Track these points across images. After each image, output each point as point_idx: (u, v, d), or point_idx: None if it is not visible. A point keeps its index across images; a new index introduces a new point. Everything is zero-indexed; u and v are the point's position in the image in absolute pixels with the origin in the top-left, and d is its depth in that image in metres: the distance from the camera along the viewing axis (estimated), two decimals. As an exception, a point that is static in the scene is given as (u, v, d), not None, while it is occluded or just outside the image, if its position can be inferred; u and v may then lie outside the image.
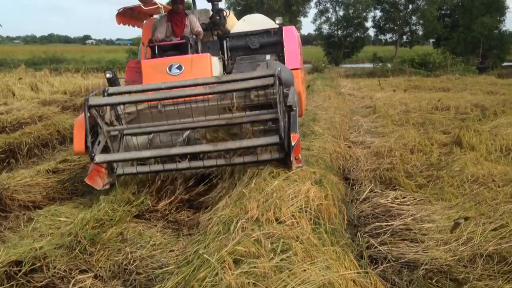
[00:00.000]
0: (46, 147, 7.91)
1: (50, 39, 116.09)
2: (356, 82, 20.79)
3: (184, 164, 4.81)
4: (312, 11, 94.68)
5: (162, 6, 6.89)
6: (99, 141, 4.76)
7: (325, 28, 44.29)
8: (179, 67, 5.71)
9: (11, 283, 3.23)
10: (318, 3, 43.47)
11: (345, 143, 7.73)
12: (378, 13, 43.90)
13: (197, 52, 6.32)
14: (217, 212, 4.12)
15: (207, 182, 5.38)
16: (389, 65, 31.34)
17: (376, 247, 3.92)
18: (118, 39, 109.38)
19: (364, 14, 42.47)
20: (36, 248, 3.54)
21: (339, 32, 43.50)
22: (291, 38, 6.67)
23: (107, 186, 4.85)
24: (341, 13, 43.06)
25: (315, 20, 44.34)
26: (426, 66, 27.52)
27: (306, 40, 73.46)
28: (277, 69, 4.39)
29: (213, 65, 6.05)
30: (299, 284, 2.33)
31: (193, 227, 4.31)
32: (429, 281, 3.35)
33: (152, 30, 6.82)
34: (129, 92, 4.94)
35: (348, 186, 5.76)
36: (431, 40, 45.40)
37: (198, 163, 4.85)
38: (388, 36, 45.17)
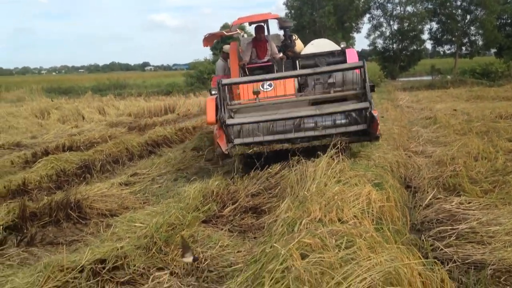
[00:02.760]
0: (117, 163, 8.43)
1: (112, 67, 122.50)
2: (414, 95, 20.40)
3: (290, 135, 6.12)
4: (365, 26, 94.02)
5: (240, 32, 8.90)
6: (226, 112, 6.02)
7: (380, 42, 43.71)
8: (270, 84, 6.95)
9: (97, 279, 3.54)
10: (371, 18, 43.00)
11: (405, 152, 7.68)
12: (435, 25, 42.76)
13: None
14: (281, 215, 4.29)
15: (269, 191, 5.60)
16: (449, 76, 30.42)
17: (441, 249, 3.92)
18: (174, 65, 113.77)
19: (419, 26, 41.54)
20: (117, 248, 3.86)
21: (394, 46, 42.74)
22: (353, 58, 7.73)
23: (227, 152, 6.07)
24: (395, 26, 42.41)
25: (368, 35, 43.70)
26: (488, 76, 26.44)
27: (359, 56, 72.87)
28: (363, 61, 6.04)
29: (294, 81, 7.34)
30: (365, 272, 2.44)
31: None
32: (497, 280, 3.33)
33: (237, 52, 8.08)
34: (242, 82, 6.53)
35: (410, 193, 5.74)
36: (493, 50, 43.57)
37: (301, 134, 6.16)
38: (446, 47, 43.78)
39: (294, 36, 8.58)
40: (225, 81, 6.02)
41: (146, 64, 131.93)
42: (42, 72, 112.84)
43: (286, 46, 8.24)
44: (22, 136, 12.36)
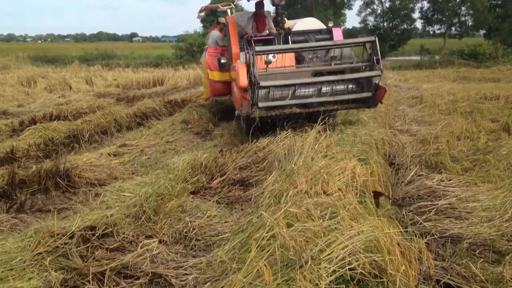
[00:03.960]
0: (105, 134, 8.46)
1: (99, 36, 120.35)
2: (402, 74, 20.55)
3: (310, 99, 6.73)
4: (357, 3, 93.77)
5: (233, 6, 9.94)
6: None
7: (371, 20, 43.59)
8: (274, 56, 7.50)
9: (87, 245, 3.63)
10: (363, -5, 42.84)
11: (390, 131, 7.83)
12: (426, 4, 42.70)
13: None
14: (268, 187, 4.41)
15: (257, 165, 5.71)
16: (437, 57, 30.58)
17: (420, 223, 4.08)
18: (163, 36, 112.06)
19: (411, 5, 41.43)
20: (107, 216, 3.95)
21: (385, 24, 42.68)
22: (338, 36, 8.57)
23: (251, 115, 6.58)
24: (387, 4, 42.22)
25: (360, 12, 43.64)
26: (476, 58, 26.67)
27: (350, 34, 72.30)
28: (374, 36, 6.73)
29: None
30: (347, 240, 2.57)
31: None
32: (472, 253, 3.49)
33: (237, 24, 8.84)
34: (275, 51, 7.22)
35: (393, 170, 5.89)
36: (482, 32, 43.78)
37: (319, 99, 6.74)
38: (436, 27, 43.91)
39: (285, 14, 9.34)
40: (258, 48, 6.47)
41: (134, 34, 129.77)
42: (28, 40, 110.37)
43: (277, 22, 8.94)
44: (8, 104, 12.26)
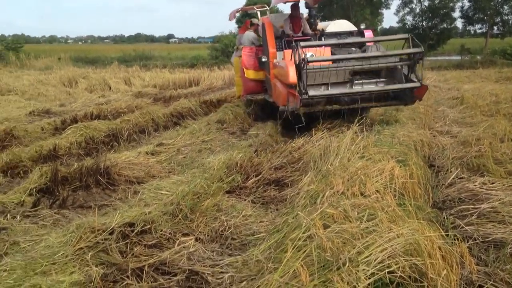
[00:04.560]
0: (143, 133, 8.63)
1: (137, 38, 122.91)
2: (442, 74, 20.02)
3: (355, 89, 7.38)
4: (395, 3, 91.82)
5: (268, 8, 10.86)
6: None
7: (409, 19, 42.64)
8: (312, 55, 7.80)
9: (126, 241, 3.70)
10: (401, -6, 41.93)
11: (430, 132, 7.64)
12: (466, 3, 41.43)
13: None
14: (303, 188, 4.38)
15: (292, 165, 5.69)
16: (478, 57, 29.64)
17: (462, 227, 3.96)
18: (199, 37, 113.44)
19: (451, 4, 40.28)
20: (145, 213, 4.01)
21: (423, 24, 41.67)
22: (369, 38, 8.66)
23: (298, 107, 6.93)
24: (426, 3, 41.21)
25: (398, 11, 42.70)
26: (520, 57, 25.72)
27: (387, 34, 70.94)
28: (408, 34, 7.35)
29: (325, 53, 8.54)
30: (386, 242, 2.52)
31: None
32: (517, 258, 3.36)
33: (273, 25, 9.10)
34: (315, 46, 8.06)
35: (433, 172, 5.74)
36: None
37: (363, 88, 7.35)
38: (477, 27, 42.53)
39: (318, 16, 10.42)
40: (304, 43, 7.16)
41: (170, 36, 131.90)
42: (69, 41, 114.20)
43: (310, 24, 9.48)
44: (51, 103, 12.70)
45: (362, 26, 9.74)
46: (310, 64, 6.88)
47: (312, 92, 6.86)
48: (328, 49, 8.34)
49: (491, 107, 9.50)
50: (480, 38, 43.22)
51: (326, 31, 9.47)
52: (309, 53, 7.74)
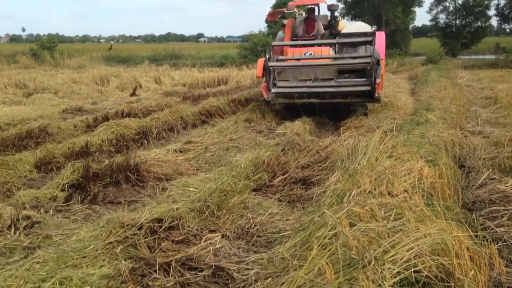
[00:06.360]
0: (172, 131, 8.76)
1: (167, 37, 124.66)
2: (475, 73, 19.50)
3: (315, 89, 8.57)
4: (428, 0, 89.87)
5: (298, 11, 11.82)
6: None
7: (442, 17, 41.61)
8: (310, 54, 9.16)
9: (154, 237, 3.78)
10: (434, -8, 40.96)
11: (461, 132, 7.48)
12: (502, 1, 40.15)
13: (320, 45, 9.66)
14: (330, 187, 4.37)
15: (319, 164, 5.67)
16: (514, 55, 28.70)
17: (492, 229, 3.87)
18: (228, 36, 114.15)
19: (486, 2, 39.13)
20: (173, 209, 4.08)
21: (457, 22, 40.60)
22: (380, 39, 9.47)
23: (268, 100, 8.69)
24: (460, 1, 40.16)
25: (431, 9, 41.67)
26: (558, 56, 24.77)
27: (419, 32, 69.58)
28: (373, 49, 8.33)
29: (330, 53, 9.61)
30: (413, 242, 2.50)
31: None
32: (550, 262, 3.27)
33: (292, 27, 10.79)
34: (287, 44, 9.86)
35: (463, 173, 5.63)
36: None
37: (323, 89, 8.50)
38: (514, 25, 41.20)
39: (339, 18, 11.18)
40: (274, 43, 9.17)
41: (200, 35, 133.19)
42: (101, 40, 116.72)
43: (330, 25, 10.73)
44: (83, 101, 13.01)
45: (374, 28, 10.52)
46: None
47: (274, 90, 8.58)
48: (327, 48, 9.43)
49: (527, 107, 9.21)
50: (516, 37, 41.89)
51: (343, 31, 10.51)
52: (308, 52, 9.10)
